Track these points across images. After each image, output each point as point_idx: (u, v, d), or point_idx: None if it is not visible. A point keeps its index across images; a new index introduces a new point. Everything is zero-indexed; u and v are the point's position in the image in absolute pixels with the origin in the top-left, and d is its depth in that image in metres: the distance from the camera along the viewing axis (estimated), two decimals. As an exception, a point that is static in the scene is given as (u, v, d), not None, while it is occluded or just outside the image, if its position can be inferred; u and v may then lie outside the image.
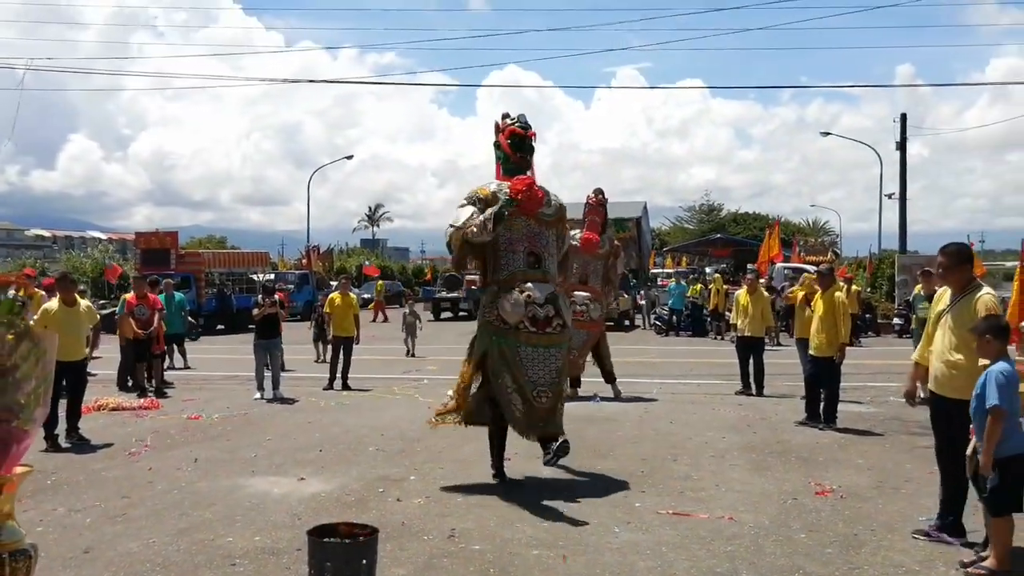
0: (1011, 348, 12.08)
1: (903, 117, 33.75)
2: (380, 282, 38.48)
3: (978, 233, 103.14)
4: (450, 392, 7.67)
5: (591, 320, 12.49)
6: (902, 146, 33.50)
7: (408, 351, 19.76)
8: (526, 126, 7.59)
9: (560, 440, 7.07)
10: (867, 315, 24.50)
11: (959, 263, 5.68)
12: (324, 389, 13.59)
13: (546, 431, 7.15)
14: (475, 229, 7.09)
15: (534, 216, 7.32)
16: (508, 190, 7.20)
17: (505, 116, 7.72)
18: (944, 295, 5.82)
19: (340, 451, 8.72)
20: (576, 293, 12.50)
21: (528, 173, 7.47)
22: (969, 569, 5.17)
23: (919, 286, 12.43)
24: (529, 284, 7.10)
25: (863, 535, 5.85)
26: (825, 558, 5.38)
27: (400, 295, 45.11)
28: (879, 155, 41.24)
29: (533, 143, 7.65)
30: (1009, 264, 26.00)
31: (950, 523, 5.73)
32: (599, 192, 12.92)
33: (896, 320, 24.51)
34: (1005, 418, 4.99)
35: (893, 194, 35.33)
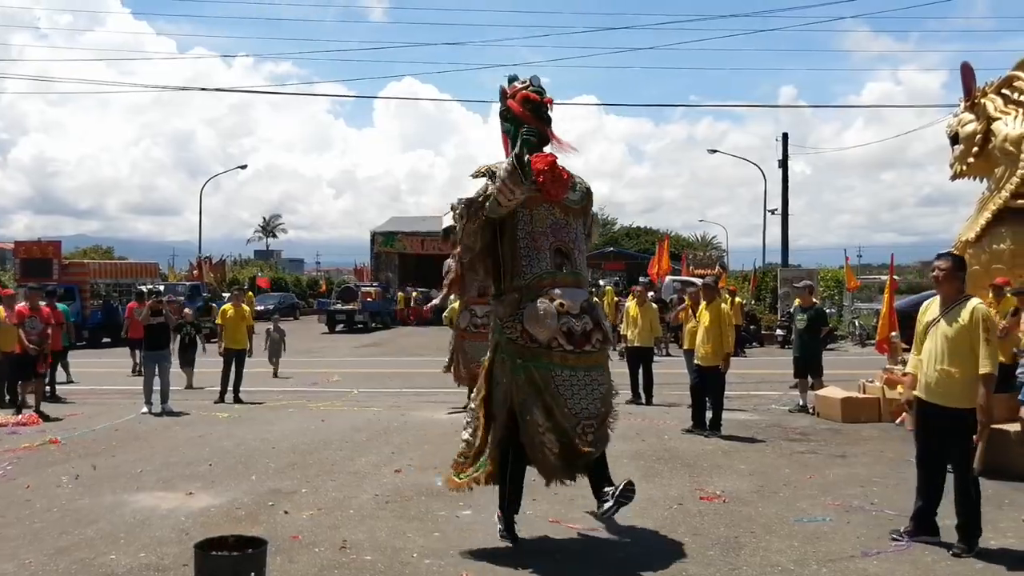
0: (884, 357, 12.75)
1: (785, 136, 35.08)
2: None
3: (856, 248, 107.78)
4: (465, 437, 6.13)
5: None
6: (784, 164, 34.78)
7: (274, 372, 17.82)
8: (541, 90, 6.15)
9: (623, 484, 5.71)
10: (751, 326, 25.35)
11: (956, 271, 5.82)
12: (215, 402, 13.31)
13: (587, 470, 5.92)
14: (504, 186, 5.67)
15: (559, 203, 5.98)
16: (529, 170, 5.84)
17: (512, 79, 6.29)
18: (932, 305, 5.93)
19: (230, 465, 8.56)
20: (475, 307, 12.63)
21: (547, 149, 6.13)
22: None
23: (798, 300, 13.00)
24: (558, 290, 5.74)
25: (743, 537, 6.08)
26: (707, 560, 5.59)
27: (294, 307, 44.39)
28: (763, 172, 42.79)
29: (551, 112, 6.19)
30: (883, 278, 27.31)
31: (927, 525, 5.88)
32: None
33: (779, 331, 25.37)
34: None
35: (776, 210, 36.62)
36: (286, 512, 6.72)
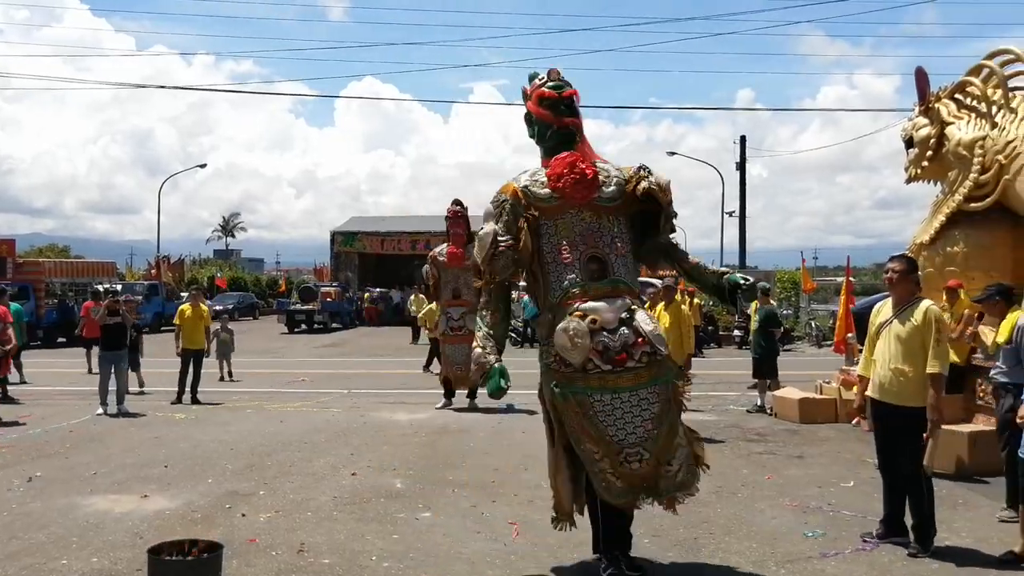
0: (840, 357, 12.91)
1: (742, 139, 35.41)
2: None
3: (812, 250, 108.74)
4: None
5: (470, 332, 12.61)
6: (741, 166, 35.10)
7: (221, 375, 16.82)
8: (560, 85, 5.53)
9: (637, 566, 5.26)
10: (709, 327, 25.56)
11: (908, 273, 5.91)
12: (172, 403, 13.12)
13: (657, 495, 5.31)
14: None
15: (588, 205, 5.35)
16: (544, 178, 5.39)
17: (532, 77, 5.69)
18: (885, 307, 6.01)
19: (187, 466, 8.45)
20: (450, 310, 12.68)
21: (577, 147, 5.52)
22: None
23: (755, 302, 13.11)
24: (591, 303, 5.11)
25: (702, 539, 6.11)
26: (666, 561, 5.61)
27: (253, 307, 43.99)
28: (721, 175, 43.04)
29: (575, 104, 5.58)
30: (839, 280, 27.65)
31: (896, 527, 5.96)
32: (457, 203, 13.06)
33: (736, 332, 25.59)
34: None
35: (734, 212, 36.93)
36: (243, 515, 6.64)
